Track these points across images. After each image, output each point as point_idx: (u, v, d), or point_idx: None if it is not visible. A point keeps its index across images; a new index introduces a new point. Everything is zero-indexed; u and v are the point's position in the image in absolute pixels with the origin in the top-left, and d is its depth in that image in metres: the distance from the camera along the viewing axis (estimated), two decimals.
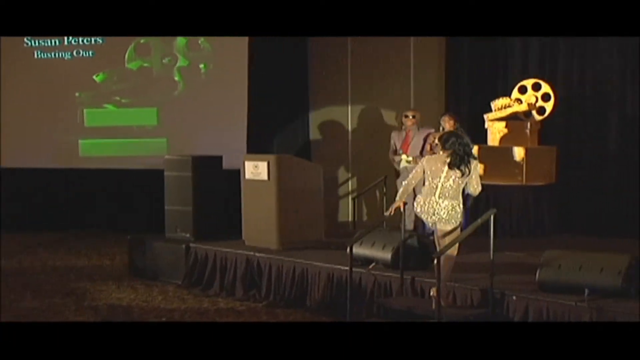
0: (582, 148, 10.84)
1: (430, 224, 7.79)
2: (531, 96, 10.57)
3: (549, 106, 10.50)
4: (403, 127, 10.87)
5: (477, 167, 7.67)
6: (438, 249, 7.57)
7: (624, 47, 10.46)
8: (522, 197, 10.43)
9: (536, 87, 10.58)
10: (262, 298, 9.30)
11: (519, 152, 10.34)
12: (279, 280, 9.26)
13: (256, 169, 9.79)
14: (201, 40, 13.17)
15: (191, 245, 10.20)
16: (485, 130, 10.78)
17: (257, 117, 12.90)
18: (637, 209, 10.33)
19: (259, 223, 9.85)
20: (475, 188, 7.67)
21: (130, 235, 11.01)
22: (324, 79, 12.86)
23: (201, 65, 13.26)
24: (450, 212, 7.56)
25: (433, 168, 7.60)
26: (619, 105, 10.55)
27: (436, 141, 9.83)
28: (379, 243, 8.63)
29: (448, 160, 7.52)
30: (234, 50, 12.84)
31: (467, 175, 7.54)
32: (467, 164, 7.50)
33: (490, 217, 7.46)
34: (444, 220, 7.58)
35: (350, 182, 12.75)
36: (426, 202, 7.60)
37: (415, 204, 7.78)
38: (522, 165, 10.32)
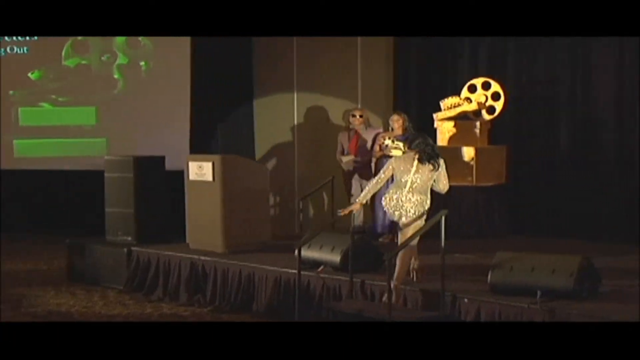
0: (532, 148, 11.00)
1: (396, 218, 7.96)
2: (481, 95, 10.71)
3: (499, 105, 10.65)
4: (350, 126, 10.94)
5: (444, 165, 7.96)
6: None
7: (573, 47, 10.65)
8: (472, 197, 10.54)
9: (486, 85, 10.72)
10: (207, 303, 9.31)
11: (468, 152, 10.48)
12: (225, 285, 9.27)
13: (200, 170, 9.78)
14: (142, 36, 13.10)
15: (133, 248, 10.18)
16: (435, 130, 10.90)
17: (201, 115, 12.86)
18: (587, 209, 10.54)
19: (204, 226, 9.85)
20: (444, 185, 8.02)
21: (69, 238, 10.93)
22: (270, 73, 12.86)
23: (142, 63, 13.19)
24: (417, 206, 7.86)
25: (402, 167, 7.93)
26: (569, 104, 10.73)
27: (386, 142, 9.98)
28: (328, 245, 8.67)
29: (417, 156, 7.87)
30: (175, 47, 12.77)
31: (437, 170, 7.89)
32: (437, 158, 7.90)
33: (441, 218, 7.53)
34: (410, 214, 7.85)
35: (296, 183, 12.76)
36: (394, 197, 7.91)
37: (382, 199, 7.99)
38: (472, 166, 10.45)
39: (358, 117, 10.89)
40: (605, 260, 8.26)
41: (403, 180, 7.88)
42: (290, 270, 8.63)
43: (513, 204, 10.87)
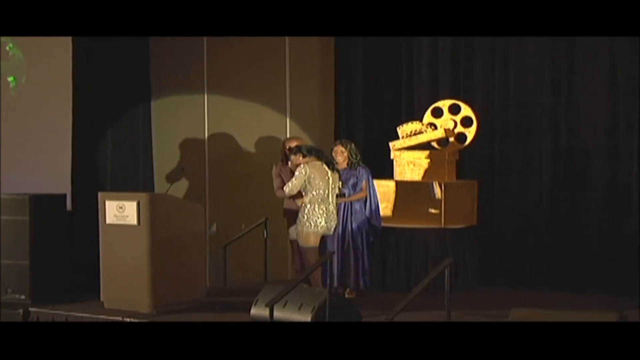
0: (506, 183, 11.35)
1: (330, 232, 10.09)
2: (448, 120, 11.01)
3: (470, 132, 10.98)
4: (291, 161, 10.99)
5: None
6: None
7: (556, 60, 11.03)
8: (440, 242, 10.80)
9: (454, 109, 11.03)
10: None
11: (437, 189, 10.72)
12: None
13: (121, 211, 9.77)
14: (10, 46, 12.83)
15: (31, 309, 10.07)
16: (391, 162, 11.15)
17: (84, 142, 12.68)
18: (574, 256, 10.94)
19: (125, 280, 9.84)
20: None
21: None
22: (173, 85, 12.85)
23: (10, 79, 12.90)
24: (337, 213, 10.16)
25: (320, 178, 9.92)
26: (551, 131, 11.09)
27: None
28: (294, 302, 8.77)
29: (325, 165, 9.96)
30: (53, 57, 12.58)
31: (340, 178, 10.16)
32: (335, 164, 10.22)
33: (445, 268, 7.79)
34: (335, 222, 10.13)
35: (206, 224, 12.74)
36: (329, 210, 10.00)
37: (310, 218, 9.89)
38: (441, 204, 10.69)
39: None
40: None
41: (324, 191, 9.93)
42: None
43: (485, 249, 11.15)
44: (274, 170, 11.16)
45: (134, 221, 9.73)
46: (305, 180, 9.91)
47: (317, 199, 9.93)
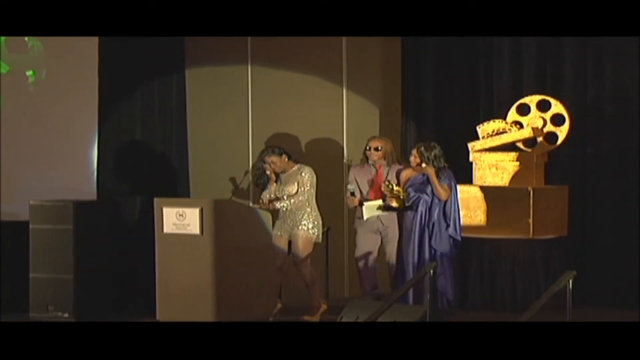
0: (601, 190, 11.28)
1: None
2: (536, 118, 10.95)
3: (562, 132, 10.94)
4: (370, 162, 10.81)
5: None
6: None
7: None
8: (528, 255, 10.75)
9: (543, 105, 10.98)
10: None
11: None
12: None
13: (181, 219, 9.81)
14: (28, 37, 12.83)
15: None
16: (470, 165, 11.10)
17: (112, 140, 12.70)
18: None
19: (185, 296, 9.86)
20: None
21: None
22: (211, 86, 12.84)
23: (29, 73, 12.92)
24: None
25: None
26: None
27: (382, 186, 10.17)
28: (385, 320, 8.67)
29: None
30: (76, 49, 12.59)
31: None
32: None
33: (568, 281, 7.71)
34: None
35: None
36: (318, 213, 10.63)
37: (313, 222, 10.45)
38: (529, 212, 10.61)
39: (373, 150, 10.78)
40: None
41: (314, 194, 10.57)
42: None
43: (574, 263, 11.02)
44: (351, 175, 10.95)
45: (196, 230, 9.78)
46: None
47: (314, 202, 10.53)
